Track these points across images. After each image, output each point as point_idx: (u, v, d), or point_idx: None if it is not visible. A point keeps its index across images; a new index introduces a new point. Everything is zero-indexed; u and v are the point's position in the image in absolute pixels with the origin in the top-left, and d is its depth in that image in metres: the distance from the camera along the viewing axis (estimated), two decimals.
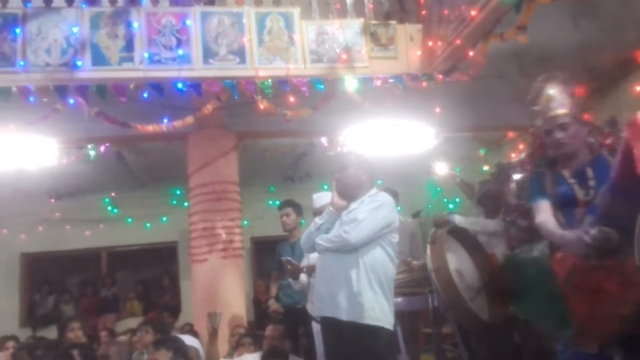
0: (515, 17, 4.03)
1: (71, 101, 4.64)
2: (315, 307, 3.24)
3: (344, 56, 5.06)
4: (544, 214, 2.32)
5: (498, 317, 2.98)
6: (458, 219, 3.68)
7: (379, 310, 2.90)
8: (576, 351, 2.13)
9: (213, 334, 3.78)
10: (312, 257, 3.71)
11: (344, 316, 2.94)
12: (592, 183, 2.26)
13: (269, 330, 4.37)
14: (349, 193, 3.20)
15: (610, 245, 1.78)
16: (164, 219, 9.23)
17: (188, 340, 3.69)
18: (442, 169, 5.56)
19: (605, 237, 1.80)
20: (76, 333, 4.93)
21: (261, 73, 4.89)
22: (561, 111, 2.30)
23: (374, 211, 3.02)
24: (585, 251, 1.91)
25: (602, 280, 1.78)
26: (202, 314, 5.86)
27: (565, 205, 2.30)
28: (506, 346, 3.66)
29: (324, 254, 3.17)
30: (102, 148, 6.24)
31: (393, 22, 5.28)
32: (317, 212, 3.74)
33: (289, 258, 3.89)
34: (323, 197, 3.99)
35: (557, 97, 2.32)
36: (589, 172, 2.28)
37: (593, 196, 2.19)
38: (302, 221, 5.10)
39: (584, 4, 4.31)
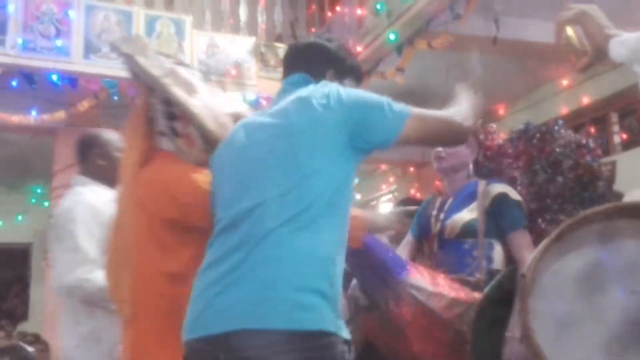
0: (396, 59, 4.35)
1: None
2: None
3: (233, 72, 5.09)
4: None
5: (358, 345, 3.12)
6: None
7: None
8: None
9: None
10: None
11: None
12: (442, 216, 2.10)
13: None
14: None
15: (360, 305, 1.99)
16: (19, 217, 8.49)
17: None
18: None
19: (352, 301, 2.01)
20: None
21: None
22: None
23: None
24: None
25: (367, 319, 2.00)
26: (55, 323, 5.44)
27: (426, 238, 2.16)
28: None
29: None
30: None
31: (283, 45, 5.42)
32: None
33: None
34: None
35: None
36: (449, 201, 2.11)
37: (439, 229, 2.08)
38: None
39: (455, 56, 4.74)
